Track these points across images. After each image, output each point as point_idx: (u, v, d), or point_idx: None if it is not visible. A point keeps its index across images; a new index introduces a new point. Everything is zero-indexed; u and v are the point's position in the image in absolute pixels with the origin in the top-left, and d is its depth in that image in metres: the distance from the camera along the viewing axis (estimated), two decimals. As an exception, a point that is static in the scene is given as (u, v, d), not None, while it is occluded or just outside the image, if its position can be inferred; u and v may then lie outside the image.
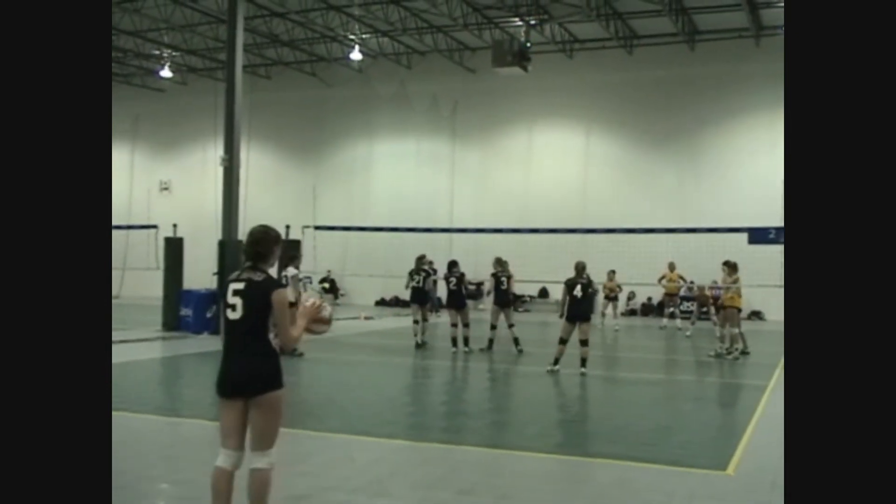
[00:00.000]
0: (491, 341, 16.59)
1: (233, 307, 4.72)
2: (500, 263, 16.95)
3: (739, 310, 16.30)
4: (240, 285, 4.75)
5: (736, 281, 16.18)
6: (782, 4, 24.38)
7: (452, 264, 16.96)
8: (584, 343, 12.95)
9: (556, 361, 13.07)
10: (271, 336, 4.80)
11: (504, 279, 16.65)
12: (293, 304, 15.18)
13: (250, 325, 4.70)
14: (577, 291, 12.91)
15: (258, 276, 4.78)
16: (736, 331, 15.97)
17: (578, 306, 12.95)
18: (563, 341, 13.07)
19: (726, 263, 16.53)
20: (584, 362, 12.96)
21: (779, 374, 13.55)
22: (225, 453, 4.82)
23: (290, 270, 14.87)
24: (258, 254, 4.85)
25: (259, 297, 4.69)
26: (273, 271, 5.08)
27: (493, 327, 16.64)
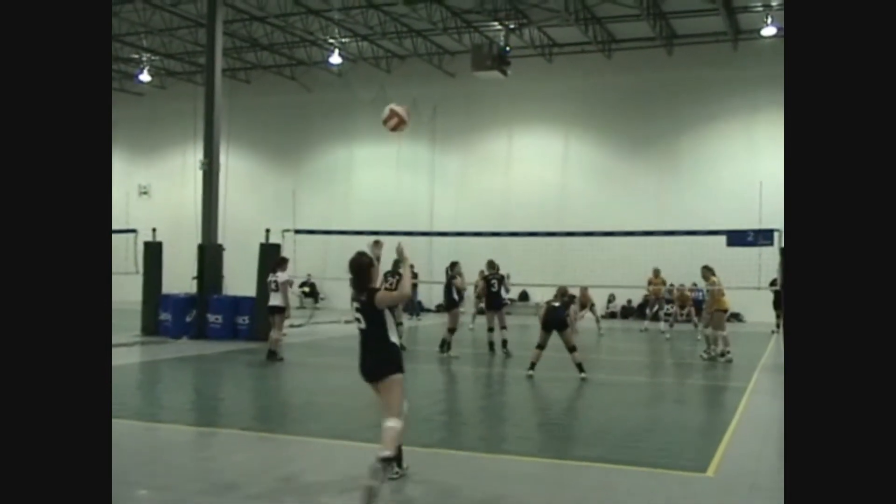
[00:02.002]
0: (491, 344, 16.52)
1: (358, 320, 6.43)
2: (491, 266, 16.89)
3: (726, 311, 16.34)
4: (357, 304, 6.40)
5: (713, 283, 16.25)
6: (760, 9, 24.58)
7: (453, 265, 16.91)
8: (571, 350, 13.08)
9: (533, 366, 13.21)
10: (390, 334, 6.36)
11: (495, 281, 16.60)
12: (283, 310, 15.31)
13: (372, 331, 6.38)
14: (554, 303, 13.39)
15: (364, 297, 6.34)
16: (723, 333, 16.02)
17: (552, 314, 13.22)
18: (539, 346, 13.28)
19: (706, 268, 16.61)
20: (580, 367, 12.98)
21: (758, 376, 13.63)
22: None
23: (281, 276, 15.04)
24: (361, 282, 6.37)
25: (370, 310, 6.32)
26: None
27: (491, 329, 16.61)
